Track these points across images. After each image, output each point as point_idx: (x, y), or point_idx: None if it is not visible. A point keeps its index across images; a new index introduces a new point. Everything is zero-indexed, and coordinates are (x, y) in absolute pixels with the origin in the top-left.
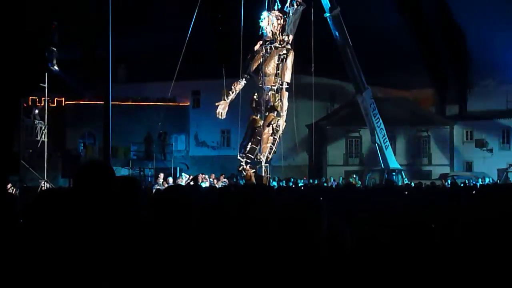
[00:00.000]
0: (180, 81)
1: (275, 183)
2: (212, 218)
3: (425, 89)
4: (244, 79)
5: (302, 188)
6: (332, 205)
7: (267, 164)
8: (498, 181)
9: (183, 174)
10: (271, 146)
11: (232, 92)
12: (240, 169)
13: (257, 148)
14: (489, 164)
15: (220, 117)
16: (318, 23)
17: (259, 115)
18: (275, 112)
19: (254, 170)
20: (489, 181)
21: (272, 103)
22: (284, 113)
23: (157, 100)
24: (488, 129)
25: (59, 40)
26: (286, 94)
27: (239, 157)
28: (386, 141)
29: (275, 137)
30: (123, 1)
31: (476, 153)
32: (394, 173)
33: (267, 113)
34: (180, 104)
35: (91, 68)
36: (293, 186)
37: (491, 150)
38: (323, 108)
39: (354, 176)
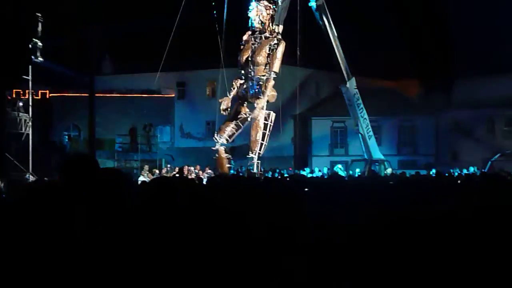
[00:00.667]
0: (165, 72)
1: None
2: (198, 210)
3: (410, 79)
4: (242, 75)
5: (288, 179)
6: (318, 195)
7: (259, 161)
8: (484, 170)
9: (168, 165)
10: (261, 142)
11: (234, 89)
12: (214, 149)
13: (236, 133)
14: (474, 154)
15: (225, 113)
16: (304, 12)
17: (246, 103)
18: (262, 102)
19: (229, 156)
20: (474, 170)
21: (262, 92)
22: (265, 97)
23: (142, 92)
24: (473, 118)
25: (44, 31)
26: (272, 82)
27: (215, 137)
28: (370, 131)
29: (265, 131)
30: None
31: (461, 142)
32: (377, 164)
33: (256, 104)
34: (165, 95)
35: (76, 60)
36: (279, 177)
37: (476, 140)
38: (308, 98)
39: (340, 166)
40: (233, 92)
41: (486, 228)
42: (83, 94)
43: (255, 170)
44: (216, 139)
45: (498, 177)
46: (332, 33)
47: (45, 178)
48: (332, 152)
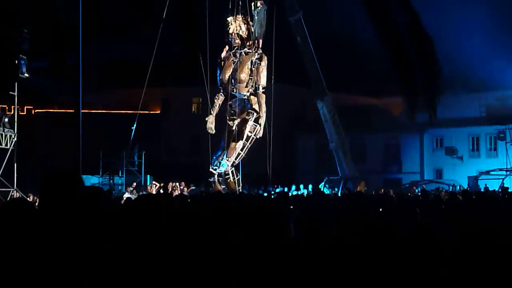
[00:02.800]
0: (150, 88)
1: (245, 191)
2: (183, 226)
3: (394, 97)
4: (222, 91)
5: (274, 196)
6: (303, 212)
7: (233, 168)
8: (469, 189)
9: (152, 182)
10: (239, 151)
11: (216, 106)
12: (211, 180)
13: (234, 160)
14: (459, 172)
15: (211, 132)
16: (288, 29)
17: (235, 122)
18: (254, 115)
19: (224, 187)
20: (459, 189)
21: (251, 105)
22: (264, 114)
23: (128, 108)
24: (458, 136)
25: (30, 47)
26: (263, 96)
27: (211, 170)
28: (346, 148)
29: (246, 142)
30: (94, 10)
31: (446, 160)
32: (352, 181)
33: (246, 117)
34: (151, 112)
35: (61, 76)
36: (265, 194)
37: (461, 158)
38: (293, 115)
39: (325, 184)
40: (216, 110)
41: (466, 244)
42: (68, 110)
43: (230, 177)
44: (212, 171)
45: (482, 195)
46: (309, 48)
47: (29, 195)
48: (318, 169)
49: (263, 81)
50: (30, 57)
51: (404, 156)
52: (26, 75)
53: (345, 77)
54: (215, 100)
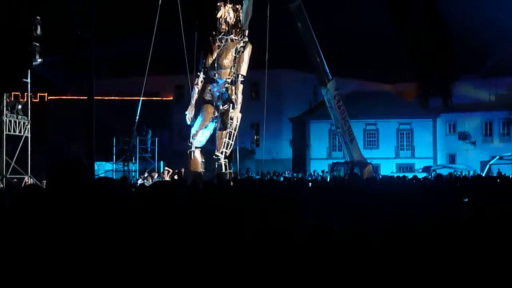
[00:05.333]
0: (163, 76)
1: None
2: (197, 213)
3: (408, 82)
4: (201, 74)
5: (286, 182)
6: (318, 199)
7: (226, 160)
8: (482, 173)
9: (165, 168)
10: (226, 141)
11: (196, 94)
12: (188, 152)
13: (208, 135)
14: (472, 157)
15: (189, 122)
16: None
17: (213, 104)
18: (231, 105)
19: (203, 160)
20: (473, 173)
21: (228, 96)
22: (238, 106)
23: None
24: (471, 121)
25: (43, 34)
26: (241, 86)
27: (189, 143)
28: (352, 134)
29: (231, 130)
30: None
31: (459, 145)
32: (358, 166)
33: (222, 107)
34: (164, 98)
35: (74, 63)
36: (278, 179)
37: (474, 143)
38: (306, 101)
39: (339, 169)
40: (195, 97)
41: (482, 230)
42: (81, 97)
43: (223, 170)
44: (191, 142)
45: (494, 180)
46: (310, 35)
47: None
48: (330, 155)
49: (243, 70)
50: (43, 44)
51: (417, 142)
52: (40, 60)
53: (358, 63)
54: (196, 88)
